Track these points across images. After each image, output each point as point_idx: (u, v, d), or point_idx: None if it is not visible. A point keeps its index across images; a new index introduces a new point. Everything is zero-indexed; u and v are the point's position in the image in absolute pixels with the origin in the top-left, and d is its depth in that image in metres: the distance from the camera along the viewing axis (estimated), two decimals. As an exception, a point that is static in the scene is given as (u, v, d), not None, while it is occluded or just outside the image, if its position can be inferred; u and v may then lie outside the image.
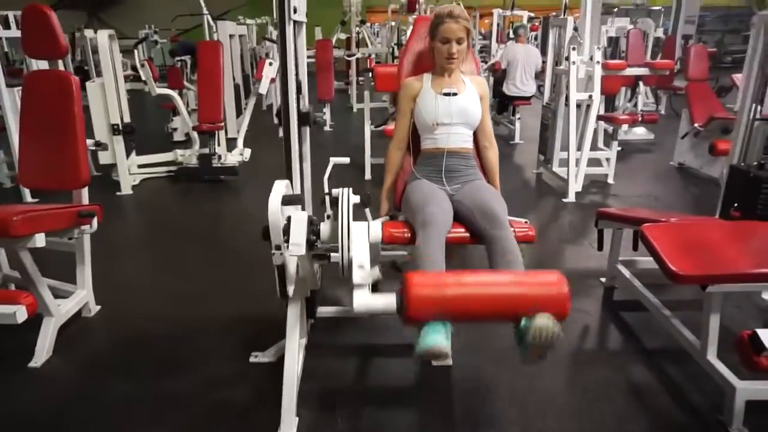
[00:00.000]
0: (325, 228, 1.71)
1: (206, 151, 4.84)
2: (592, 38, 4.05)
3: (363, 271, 1.59)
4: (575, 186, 4.24)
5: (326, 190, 1.75)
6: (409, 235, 1.82)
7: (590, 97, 4.13)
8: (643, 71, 4.37)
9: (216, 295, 2.78)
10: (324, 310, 2.42)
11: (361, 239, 1.64)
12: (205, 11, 7.90)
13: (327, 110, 7.35)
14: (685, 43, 9.92)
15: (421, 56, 2.26)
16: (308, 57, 9.27)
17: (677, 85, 8.16)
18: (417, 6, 6.34)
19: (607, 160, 4.77)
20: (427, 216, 1.72)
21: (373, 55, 9.10)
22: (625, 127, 4.59)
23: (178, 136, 6.51)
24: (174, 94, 5.03)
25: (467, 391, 2.03)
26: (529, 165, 5.42)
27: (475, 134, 2.13)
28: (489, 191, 1.90)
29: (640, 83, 5.86)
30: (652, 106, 8.27)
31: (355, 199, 1.80)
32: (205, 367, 2.17)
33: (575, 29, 4.26)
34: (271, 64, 4.77)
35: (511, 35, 7.06)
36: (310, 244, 1.70)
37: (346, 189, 1.66)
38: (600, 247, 2.74)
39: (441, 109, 2.01)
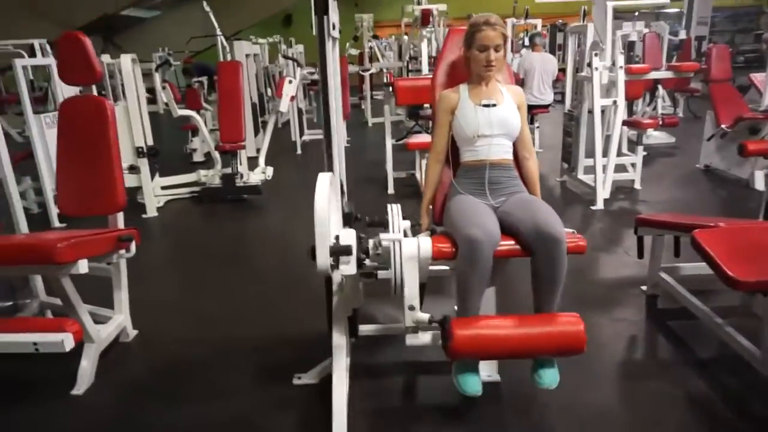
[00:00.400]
0: (371, 245, 1.69)
1: (229, 170, 4.86)
2: (614, 44, 4.02)
3: (414, 314, 1.72)
4: (603, 193, 4.18)
5: (377, 241, 1.75)
6: (455, 249, 1.78)
7: (614, 102, 4.09)
8: (667, 74, 4.33)
9: (249, 316, 2.75)
10: (364, 329, 2.38)
11: (412, 270, 1.64)
12: (218, 32, 8.01)
13: (344, 126, 7.36)
14: (699, 45, 9.86)
15: (456, 67, 2.24)
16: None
17: (694, 87, 8.11)
18: (431, 19, 6.36)
19: (633, 165, 4.71)
20: (470, 236, 1.68)
21: (384, 69, 9.15)
22: (650, 131, 4.54)
23: (197, 157, 6.56)
24: (195, 115, 5.07)
25: (519, 406, 1.97)
26: (551, 173, 5.37)
27: (513, 145, 2.10)
28: (543, 206, 1.84)
29: (659, 86, 5.81)
30: (670, 109, 8.20)
31: (406, 224, 1.84)
32: (246, 391, 2.14)
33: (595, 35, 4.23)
34: (290, 81, 4.79)
35: (526, 44, 7.06)
36: (359, 263, 1.67)
37: (395, 206, 1.63)
38: (641, 255, 2.68)
39: (482, 121, 1.98)
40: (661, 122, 5.25)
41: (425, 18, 6.30)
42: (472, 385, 1.75)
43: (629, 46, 5.47)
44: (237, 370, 2.28)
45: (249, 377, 2.23)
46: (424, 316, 1.70)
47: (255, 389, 2.15)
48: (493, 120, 1.99)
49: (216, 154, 5.02)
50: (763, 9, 16.86)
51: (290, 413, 2.00)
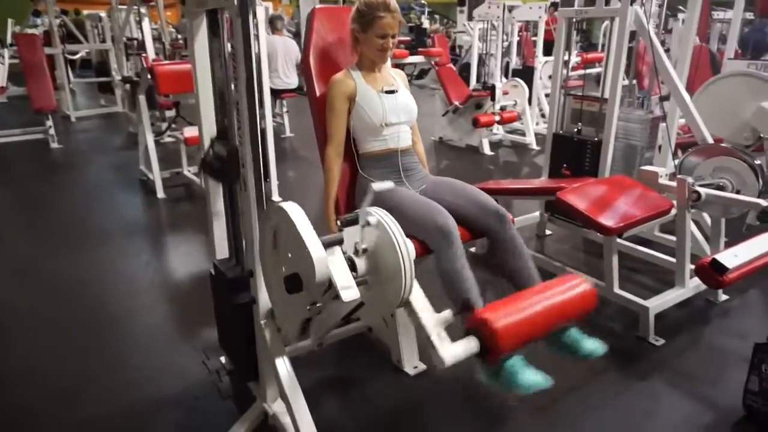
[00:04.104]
0: (360, 262, 1.42)
1: None
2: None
3: (433, 316, 1.43)
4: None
5: (362, 222, 1.44)
6: (423, 247, 1.67)
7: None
8: (419, 59, 4.84)
9: (82, 392, 2.03)
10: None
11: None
12: None
13: (50, 123, 5.88)
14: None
15: (331, 50, 2.06)
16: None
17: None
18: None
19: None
20: (443, 226, 1.62)
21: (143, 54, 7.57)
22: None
23: None
24: None
25: (458, 390, 2.02)
26: (314, 156, 5.42)
27: None
28: (469, 186, 1.88)
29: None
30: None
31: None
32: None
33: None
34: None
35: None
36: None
37: (382, 212, 1.41)
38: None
39: (388, 108, 1.88)
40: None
41: (148, -7, 5.49)
42: (535, 377, 1.46)
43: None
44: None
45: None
46: (446, 314, 1.47)
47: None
48: (399, 107, 1.92)
49: None
50: (411, 5, 20.31)
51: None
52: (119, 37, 6.24)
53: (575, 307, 1.52)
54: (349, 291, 1.32)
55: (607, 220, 2.13)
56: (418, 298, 1.45)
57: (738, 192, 2.34)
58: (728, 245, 2.21)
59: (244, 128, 1.48)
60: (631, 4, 2.61)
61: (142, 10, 5.58)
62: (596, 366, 2.11)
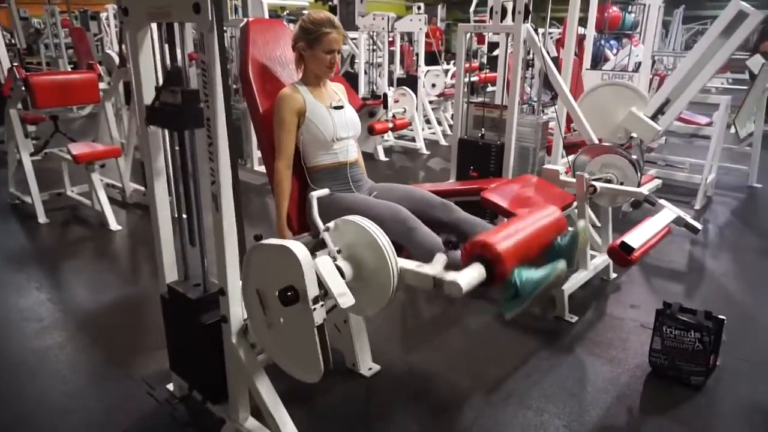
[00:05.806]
0: (345, 266, 1.46)
1: None
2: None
3: (428, 265, 1.43)
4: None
5: (322, 227, 1.48)
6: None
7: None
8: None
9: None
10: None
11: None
12: None
13: None
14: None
15: (270, 64, 2.07)
16: None
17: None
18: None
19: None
20: (405, 217, 1.74)
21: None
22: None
23: None
24: None
25: (412, 384, 2.14)
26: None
27: None
28: (414, 188, 2.02)
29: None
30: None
31: None
32: None
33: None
34: None
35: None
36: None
37: (368, 221, 1.45)
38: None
39: (338, 124, 1.95)
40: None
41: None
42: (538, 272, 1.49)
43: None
44: None
45: None
46: (439, 256, 1.44)
47: None
48: (347, 122, 2.00)
49: None
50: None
51: None
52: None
53: (554, 228, 1.63)
54: (345, 298, 1.37)
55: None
56: (405, 263, 1.45)
57: (622, 184, 2.75)
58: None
59: (217, 147, 1.46)
60: (524, 22, 2.94)
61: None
62: (530, 346, 2.37)
